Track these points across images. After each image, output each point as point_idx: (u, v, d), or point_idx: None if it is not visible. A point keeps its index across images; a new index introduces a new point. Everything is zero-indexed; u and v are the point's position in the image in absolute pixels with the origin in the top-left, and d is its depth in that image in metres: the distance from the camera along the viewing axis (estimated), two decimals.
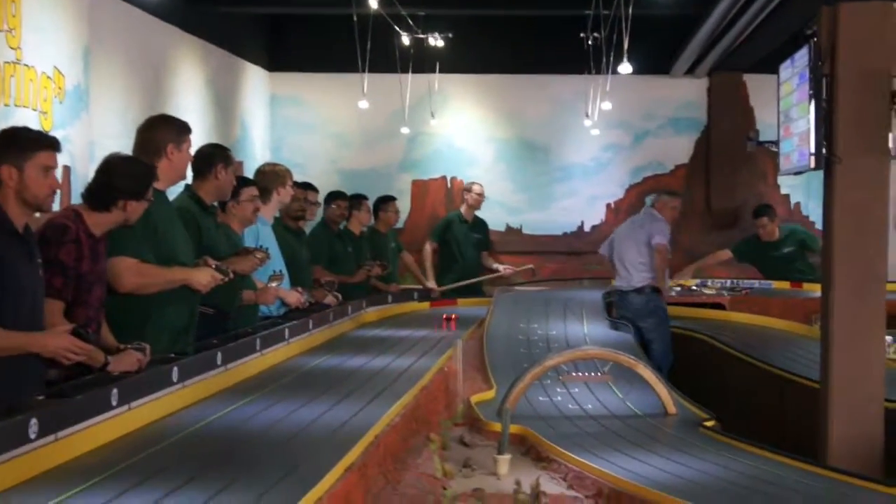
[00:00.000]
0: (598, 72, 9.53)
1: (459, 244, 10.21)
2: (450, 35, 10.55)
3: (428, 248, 10.25)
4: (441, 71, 10.92)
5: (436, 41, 10.36)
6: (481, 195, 10.40)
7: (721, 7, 8.51)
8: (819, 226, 10.44)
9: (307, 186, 7.46)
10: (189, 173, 5.13)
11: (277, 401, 4.27)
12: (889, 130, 5.23)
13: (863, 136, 5.20)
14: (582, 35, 9.77)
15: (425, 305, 8.75)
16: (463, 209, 10.45)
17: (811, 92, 5.23)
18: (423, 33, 10.14)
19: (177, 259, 4.62)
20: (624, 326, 7.27)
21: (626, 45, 7.68)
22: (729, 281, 9.74)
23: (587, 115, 10.52)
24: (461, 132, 11.66)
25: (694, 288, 9.54)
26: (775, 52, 8.89)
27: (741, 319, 8.64)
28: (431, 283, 9.90)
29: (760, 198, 11.40)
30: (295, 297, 6.17)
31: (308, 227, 7.68)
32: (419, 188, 11.64)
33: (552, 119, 11.57)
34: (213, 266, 4.71)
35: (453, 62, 10.99)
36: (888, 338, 6.15)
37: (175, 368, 4.05)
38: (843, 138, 5.20)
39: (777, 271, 9.68)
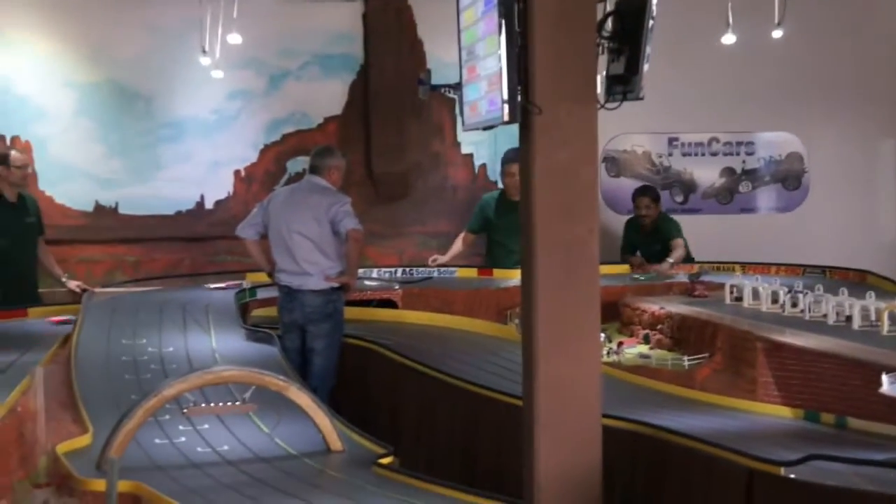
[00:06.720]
0: None
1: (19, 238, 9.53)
2: None
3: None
4: None
5: None
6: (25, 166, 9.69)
7: None
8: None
9: None
10: None
11: None
12: (596, 72, 5.52)
13: (566, 80, 5.43)
14: None
15: None
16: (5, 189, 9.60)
17: (501, 22, 5.40)
18: None
19: None
20: (266, 336, 7.29)
21: None
22: (400, 270, 9.99)
23: (204, 51, 10.42)
24: (24, 74, 11.25)
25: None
26: None
27: (417, 320, 8.91)
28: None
29: (435, 159, 11.79)
30: None
31: None
32: None
33: (155, 55, 11.39)
34: None
35: None
36: (601, 335, 6.51)
37: None
38: (542, 83, 5.42)
39: None
